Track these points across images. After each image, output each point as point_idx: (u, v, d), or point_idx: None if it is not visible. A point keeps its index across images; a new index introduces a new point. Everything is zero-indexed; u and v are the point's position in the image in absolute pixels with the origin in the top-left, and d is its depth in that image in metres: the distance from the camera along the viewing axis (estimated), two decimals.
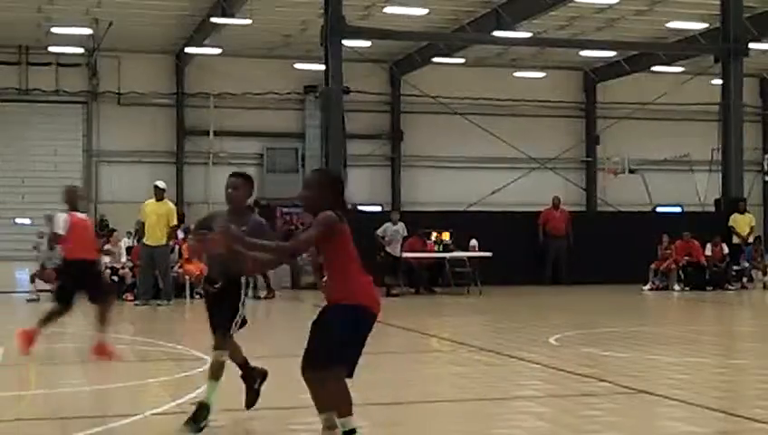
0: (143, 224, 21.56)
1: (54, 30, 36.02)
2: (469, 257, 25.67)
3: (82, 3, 33.11)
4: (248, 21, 32.99)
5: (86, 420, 8.53)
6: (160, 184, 22.15)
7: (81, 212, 13.54)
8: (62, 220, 13.15)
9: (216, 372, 8.05)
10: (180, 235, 23.00)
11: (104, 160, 41.73)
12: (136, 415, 8.66)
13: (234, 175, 8.41)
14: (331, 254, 6.83)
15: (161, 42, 39.65)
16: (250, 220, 8.23)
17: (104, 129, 41.71)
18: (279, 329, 17.95)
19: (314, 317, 6.96)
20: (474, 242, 25.81)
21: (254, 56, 40.77)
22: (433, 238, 25.78)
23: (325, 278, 6.95)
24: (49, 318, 12.70)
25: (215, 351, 8.15)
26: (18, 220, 39.49)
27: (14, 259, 33.66)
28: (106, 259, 22.22)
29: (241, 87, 40.92)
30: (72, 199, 13.54)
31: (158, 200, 21.58)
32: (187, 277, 22.31)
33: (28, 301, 22.02)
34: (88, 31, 36.09)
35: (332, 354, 6.70)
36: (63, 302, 12.75)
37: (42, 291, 21.92)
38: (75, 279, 12.78)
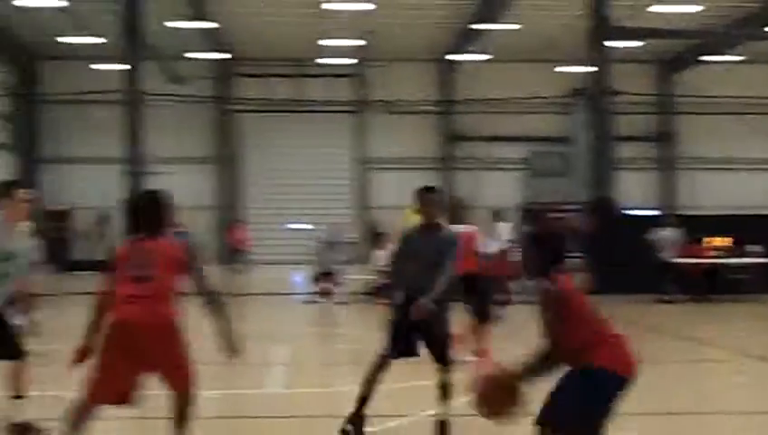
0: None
1: (325, 42, 37.27)
2: (749, 264, 24.33)
3: (350, 15, 34.08)
4: (513, 26, 32.95)
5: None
6: None
7: (464, 224, 12.19)
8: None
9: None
10: None
11: (373, 168, 42.83)
12: (409, 416, 8.72)
13: (426, 190, 8.14)
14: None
15: (426, 49, 40.26)
16: (441, 236, 8.07)
17: (373, 136, 42.84)
18: None
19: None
20: (756, 248, 24.38)
21: (519, 60, 40.66)
22: (706, 243, 24.67)
23: None
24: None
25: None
26: (293, 225, 41.11)
27: (290, 263, 35.02)
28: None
29: (506, 92, 40.89)
30: (456, 212, 12.55)
31: None
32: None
33: (304, 302, 22.79)
34: (357, 42, 37.13)
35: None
36: (485, 316, 12.09)
37: (316, 293, 22.58)
38: (466, 294, 11.79)
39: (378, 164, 42.59)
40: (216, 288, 6.95)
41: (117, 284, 6.68)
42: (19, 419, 7.91)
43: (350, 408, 8.10)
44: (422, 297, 7.72)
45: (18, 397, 7.89)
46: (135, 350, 6.52)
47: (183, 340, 6.70)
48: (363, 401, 7.94)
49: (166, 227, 6.95)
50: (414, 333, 7.84)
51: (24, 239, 8.02)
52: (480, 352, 11.78)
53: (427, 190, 8.15)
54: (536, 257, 5.62)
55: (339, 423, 8.17)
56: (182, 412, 6.69)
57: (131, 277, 6.60)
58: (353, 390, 8.22)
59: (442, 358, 7.91)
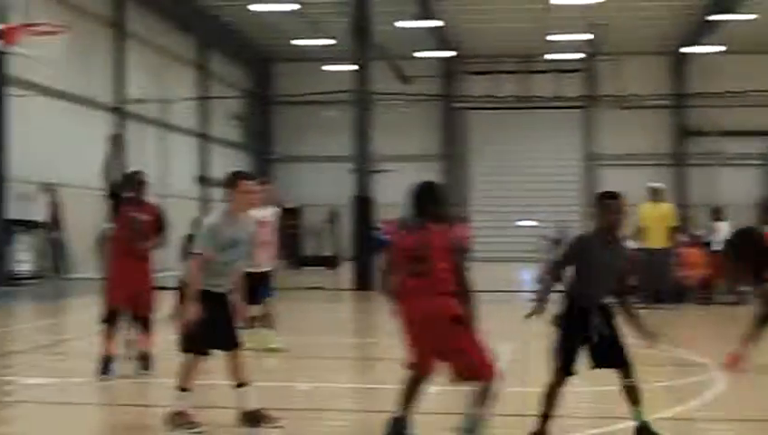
0: (640, 228, 21.14)
1: (553, 38, 36.83)
2: None
3: (579, 9, 33.50)
4: (749, 16, 31.53)
5: (585, 420, 8.45)
6: (656, 185, 21.63)
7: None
8: None
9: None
10: (682, 238, 22.32)
11: (602, 164, 41.99)
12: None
13: (612, 196, 7.66)
14: None
15: (658, 42, 39.13)
16: (620, 246, 7.61)
17: (602, 132, 42.00)
18: None
19: None
20: None
21: (756, 52, 38.86)
22: None
23: None
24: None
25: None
26: (520, 223, 40.86)
27: (517, 260, 34.82)
28: None
29: (742, 84, 39.16)
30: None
31: (654, 202, 21.10)
32: (689, 281, 21.60)
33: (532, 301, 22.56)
34: (585, 36, 36.49)
35: None
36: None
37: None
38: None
39: (607, 160, 41.72)
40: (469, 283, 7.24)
41: (397, 273, 7.21)
42: (249, 407, 8.06)
43: (581, 407, 7.88)
44: (594, 308, 7.41)
45: (241, 385, 8.04)
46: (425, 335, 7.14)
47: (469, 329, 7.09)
48: (545, 418, 7.62)
49: (441, 216, 7.30)
50: (585, 343, 7.45)
51: (247, 228, 8.22)
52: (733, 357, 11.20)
53: (610, 196, 7.73)
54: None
55: (568, 424, 7.97)
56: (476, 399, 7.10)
57: (410, 268, 7.12)
58: (583, 390, 8.01)
59: (622, 363, 7.50)
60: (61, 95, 27.83)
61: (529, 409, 9.12)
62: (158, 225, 10.75)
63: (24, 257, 25.93)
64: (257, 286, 12.06)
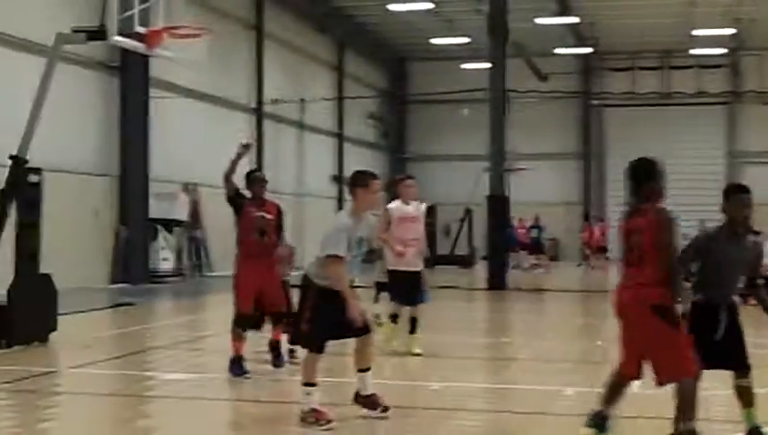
0: None
1: (696, 32, 35.92)
2: None
3: (724, 3, 32.60)
4: None
5: (729, 424, 8.17)
6: None
7: None
8: None
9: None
10: None
11: (745, 161, 40.73)
12: None
13: (744, 190, 7.28)
14: None
15: None
16: (749, 241, 7.22)
17: (746, 129, 40.75)
18: None
19: None
20: None
21: None
22: None
23: None
24: None
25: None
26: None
27: None
28: None
29: None
30: None
31: None
32: None
33: None
34: (730, 31, 35.46)
35: None
36: None
37: None
38: None
39: (752, 158, 40.43)
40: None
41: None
42: (367, 392, 8.21)
43: (718, 410, 7.62)
44: (723, 305, 7.11)
45: (363, 370, 8.16)
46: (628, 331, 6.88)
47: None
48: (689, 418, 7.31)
49: (657, 197, 7.08)
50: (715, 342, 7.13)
51: (368, 227, 8.30)
52: None
53: (741, 190, 7.33)
54: None
55: (710, 427, 7.71)
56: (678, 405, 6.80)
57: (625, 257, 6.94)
58: (716, 393, 7.75)
59: (741, 363, 7.18)
60: (201, 97, 28.48)
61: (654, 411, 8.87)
62: (278, 222, 10.78)
63: (165, 256, 26.63)
64: (410, 287, 12.06)
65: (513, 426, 8.60)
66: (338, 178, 38.83)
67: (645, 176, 7.15)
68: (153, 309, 20.24)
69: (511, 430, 8.45)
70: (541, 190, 41.08)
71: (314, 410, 7.95)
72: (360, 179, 8.26)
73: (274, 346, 10.83)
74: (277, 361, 10.78)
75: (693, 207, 38.15)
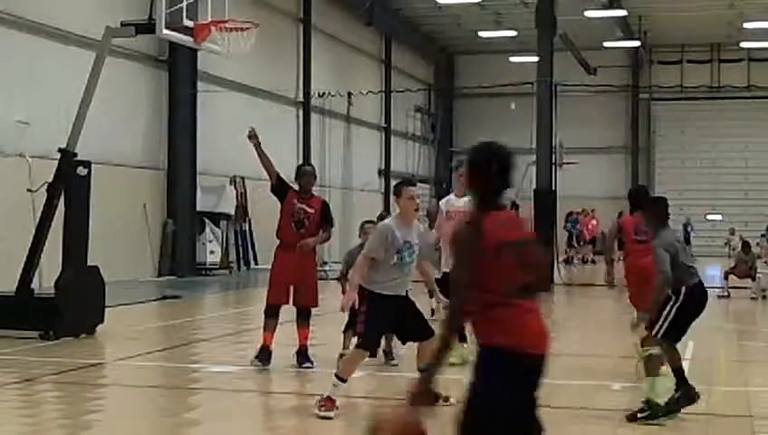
0: None
1: (746, 25, 35.47)
2: None
3: None
4: None
5: None
6: None
7: None
8: None
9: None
10: None
11: None
12: None
13: None
14: None
15: None
16: None
17: None
18: None
19: None
20: None
21: None
22: None
23: None
24: None
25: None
26: (710, 217, 39.61)
27: (706, 255, 33.77)
28: None
29: None
30: None
31: None
32: None
33: (719, 297, 21.81)
34: None
35: None
36: None
37: (733, 288, 21.62)
38: None
39: None
40: None
41: None
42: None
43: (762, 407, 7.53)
44: None
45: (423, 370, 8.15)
46: None
47: None
48: None
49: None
50: None
51: (419, 233, 8.40)
52: None
53: None
54: None
55: (756, 424, 7.62)
56: None
57: None
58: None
59: None
60: (248, 90, 28.60)
61: (714, 408, 8.78)
62: (323, 218, 10.71)
63: (212, 248, 26.77)
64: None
65: (558, 421, 8.54)
66: (384, 172, 38.84)
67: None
68: (199, 302, 20.37)
69: (556, 426, 8.40)
70: (588, 184, 40.80)
71: (329, 398, 8.10)
72: (395, 189, 8.61)
73: (301, 350, 10.73)
74: (303, 361, 10.70)
75: (745, 204, 37.77)
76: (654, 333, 8.22)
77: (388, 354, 10.93)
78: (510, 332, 4.32)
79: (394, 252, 8.10)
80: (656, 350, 8.31)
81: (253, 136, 10.65)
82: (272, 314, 10.62)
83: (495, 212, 4.44)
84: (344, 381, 8.15)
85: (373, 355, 8.71)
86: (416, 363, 8.35)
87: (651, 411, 7.96)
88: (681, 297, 8.19)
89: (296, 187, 10.74)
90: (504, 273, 4.34)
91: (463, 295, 4.33)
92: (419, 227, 8.60)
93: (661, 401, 8.03)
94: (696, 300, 8.34)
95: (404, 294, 8.39)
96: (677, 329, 8.25)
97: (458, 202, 11.14)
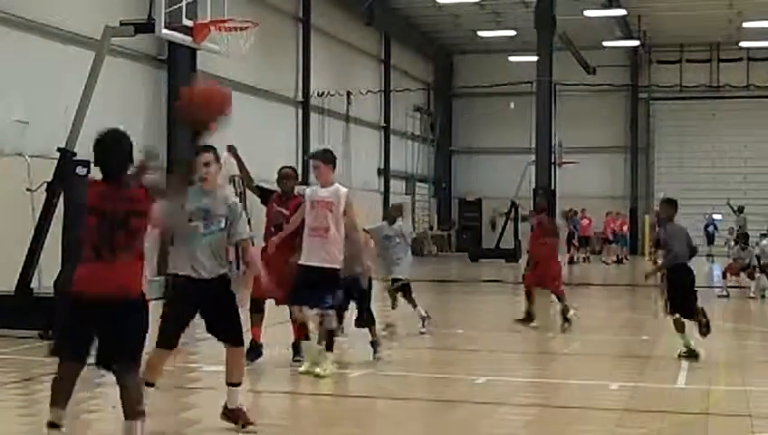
0: None
1: (746, 25, 35.46)
2: None
3: None
4: None
5: None
6: None
7: None
8: None
9: None
10: None
11: None
12: None
13: None
14: None
15: None
16: None
17: None
18: None
19: None
20: None
21: None
22: None
23: None
24: None
25: None
26: (707, 216, 39.58)
27: (702, 254, 33.77)
28: None
29: None
30: None
31: None
32: None
33: (718, 296, 21.82)
34: None
35: None
36: None
37: (731, 287, 21.63)
38: None
39: None
40: None
41: None
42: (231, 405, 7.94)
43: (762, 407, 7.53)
44: None
45: (232, 384, 7.98)
46: None
47: None
48: None
49: None
50: None
51: None
52: None
53: None
54: None
55: (755, 423, 7.62)
56: None
57: None
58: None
59: None
60: (247, 90, 28.57)
61: (715, 407, 8.79)
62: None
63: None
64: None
65: (557, 420, 8.55)
66: (384, 172, 38.84)
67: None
68: None
69: (554, 425, 8.41)
70: (587, 184, 40.80)
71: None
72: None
73: (296, 344, 10.88)
74: (295, 351, 10.87)
75: (743, 203, 37.77)
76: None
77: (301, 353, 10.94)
78: None
79: None
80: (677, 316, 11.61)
81: (232, 151, 10.79)
82: (256, 308, 10.72)
83: None
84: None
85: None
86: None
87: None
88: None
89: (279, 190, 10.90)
90: None
91: None
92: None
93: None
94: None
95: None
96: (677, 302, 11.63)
97: (323, 192, 10.21)
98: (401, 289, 14.03)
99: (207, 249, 7.64)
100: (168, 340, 7.69)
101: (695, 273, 12.02)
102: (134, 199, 6.31)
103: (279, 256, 10.43)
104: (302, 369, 10.25)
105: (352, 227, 10.19)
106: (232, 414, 7.94)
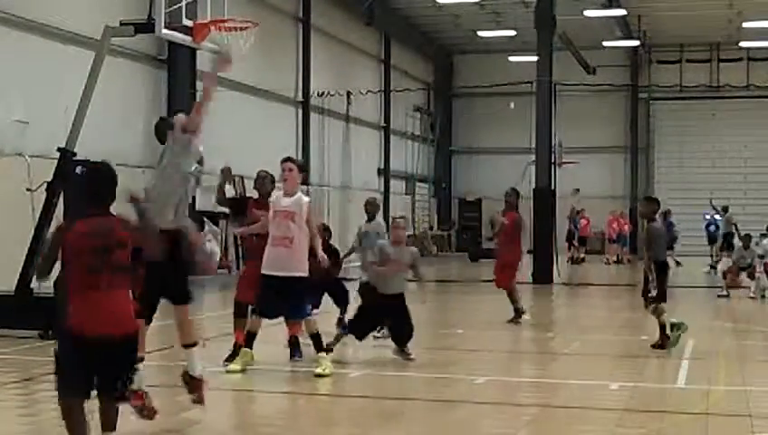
0: None
1: (746, 25, 35.46)
2: None
3: None
4: None
5: None
6: None
7: None
8: None
9: None
10: None
11: None
12: None
13: None
14: None
15: None
16: None
17: None
18: None
19: None
20: None
21: None
22: None
23: None
24: None
25: None
26: (707, 216, 39.58)
27: (703, 255, 33.83)
28: None
29: None
30: None
31: None
32: None
33: (718, 296, 21.82)
34: None
35: None
36: None
37: (731, 287, 21.62)
38: None
39: None
40: None
41: None
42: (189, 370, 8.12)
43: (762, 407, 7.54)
44: None
45: (187, 346, 8.13)
46: None
47: None
48: None
49: None
50: None
51: None
52: None
53: None
54: None
55: (755, 423, 7.63)
56: None
57: None
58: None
59: None
60: (247, 90, 28.57)
61: (715, 407, 8.79)
62: None
63: (211, 248, 26.69)
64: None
65: (557, 420, 8.55)
66: (384, 172, 38.82)
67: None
68: (198, 301, 20.33)
69: (554, 425, 8.41)
70: (587, 184, 40.79)
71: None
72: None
73: (292, 341, 10.94)
74: (291, 350, 10.98)
75: (744, 202, 37.78)
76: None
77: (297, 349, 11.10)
78: None
79: None
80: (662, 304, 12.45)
81: (226, 173, 10.89)
82: (239, 312, 10.75)
83: None
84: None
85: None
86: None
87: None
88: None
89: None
90: None
91: None
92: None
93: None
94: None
95: None
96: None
97: (285, 201, 10.37)
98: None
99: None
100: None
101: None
102: (119, 230, 6.46)
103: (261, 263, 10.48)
104: (230, 367, 10.35)
105: (312, 236, 10.25)
106: (191, 382, 8.00)
